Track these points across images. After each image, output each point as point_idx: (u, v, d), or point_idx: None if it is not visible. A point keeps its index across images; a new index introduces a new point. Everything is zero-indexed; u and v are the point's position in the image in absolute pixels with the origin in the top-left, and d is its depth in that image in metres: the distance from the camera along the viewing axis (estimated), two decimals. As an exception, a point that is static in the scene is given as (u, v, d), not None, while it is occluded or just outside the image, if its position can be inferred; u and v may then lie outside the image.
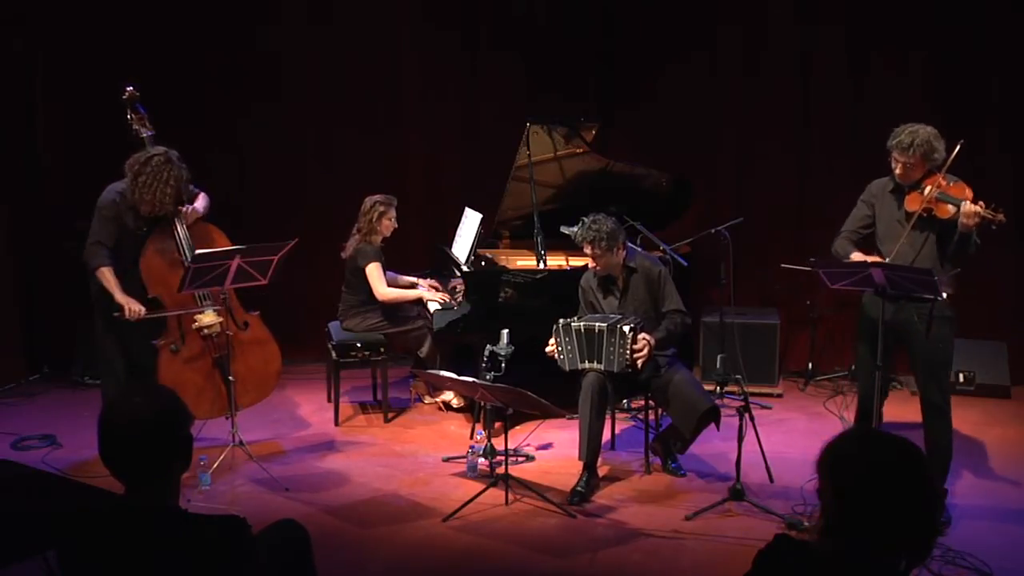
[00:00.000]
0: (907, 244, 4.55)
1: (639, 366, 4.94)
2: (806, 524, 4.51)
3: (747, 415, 4.82)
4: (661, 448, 5.29)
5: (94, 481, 4.14)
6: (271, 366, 5.59)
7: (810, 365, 6.94)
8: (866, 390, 4.69)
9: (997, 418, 6.10)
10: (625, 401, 5.93)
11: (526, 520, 4.72)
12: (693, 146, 7.14)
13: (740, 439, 4.76)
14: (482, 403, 5.10)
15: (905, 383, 6.45)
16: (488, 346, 5.04)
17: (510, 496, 4.88)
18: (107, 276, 5.14)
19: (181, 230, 5.27)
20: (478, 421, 5.64)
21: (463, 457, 5.35)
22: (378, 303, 6.10)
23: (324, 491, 5.07)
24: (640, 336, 4.91)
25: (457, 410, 6.25)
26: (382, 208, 6.01)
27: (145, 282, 5.21)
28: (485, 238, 6.42)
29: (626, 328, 4.88)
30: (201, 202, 5.44)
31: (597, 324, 4.94)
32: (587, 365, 4.98)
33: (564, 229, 5.46)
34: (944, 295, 4.31)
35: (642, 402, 5.49)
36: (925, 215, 4.47)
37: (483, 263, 6.32)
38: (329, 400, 6.31)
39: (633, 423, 5.98)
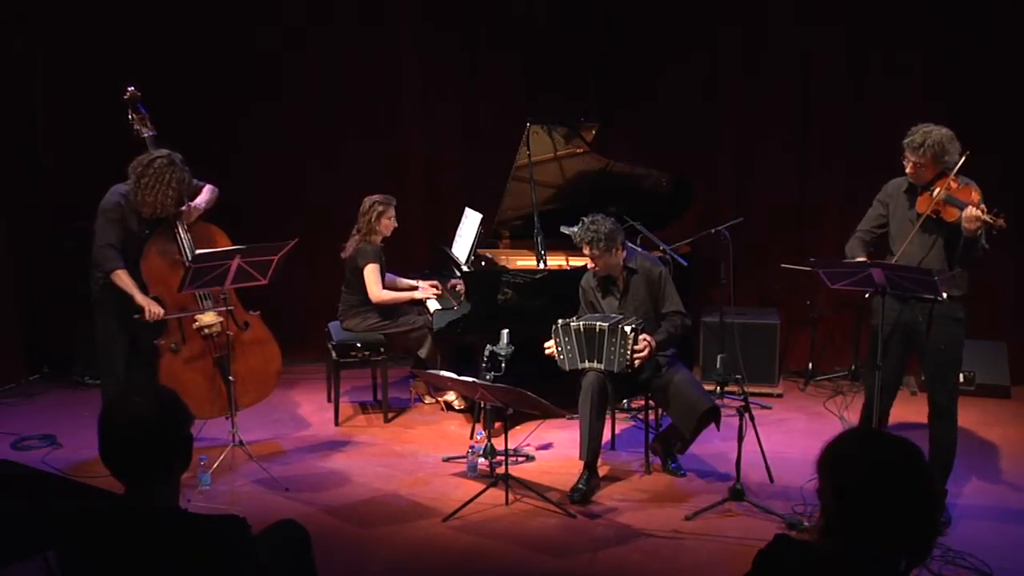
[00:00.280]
0: (915, 244, 4.52)
1: (637, 366, 4.93)
2: (806, 524, 4.51)
3: (747, 415, 4.82)
4: (661, 448, 5.29)
5: (94, 481, 4.14)
6: (271, 366, 5.59)
7: (810, 365, 6.94)
8: (872, 390, 4.66)
9: (997, 418, 6.10)
10: (625, 401, 5.93)
11: (526, 520, 4.72)
12: (693, 146, 7.15)
13: (740, 439, 4.76)
14: (482, 403, 5.10)
15: (905, 383, 6.44)
16: (488, 346, 5.04)
17: (510, 496, 4.88)
18: (123, 279, 5.15)
19: (183, 231, 5.28)
20: (478, 421, 5.64)
21: (463, 457, 5.35)
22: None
23: (324, 491, 5.07)
24: (641, 337, 4.91)
25: (458, 411, 6.24)
26: (381, 208, 6.01)
27: (146, 282, 5.22)
28: (485, 238, 6.42)
29: (628, 329, 4.88)
30: (205, 195, 5.43)
31: (598, 323, 4.94)
32: (587, 365, 4.98)
33: (564, 229, 5.46)
34: (944, 295, 4.30)
35: (642, 402, 5.49)
36: (933, 216, 4.45)
37: (483, 263, 6.32)
38: (329, 400, 6.31)
39: (633, 423, 5.98)
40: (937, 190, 4.41)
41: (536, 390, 4.57)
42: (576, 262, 6.04)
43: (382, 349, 6.07)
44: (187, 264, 4.98)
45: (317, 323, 6.62)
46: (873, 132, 6.81)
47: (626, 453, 5.57)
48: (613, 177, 6.42)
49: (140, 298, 5.13)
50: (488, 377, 4.86)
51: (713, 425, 5.05)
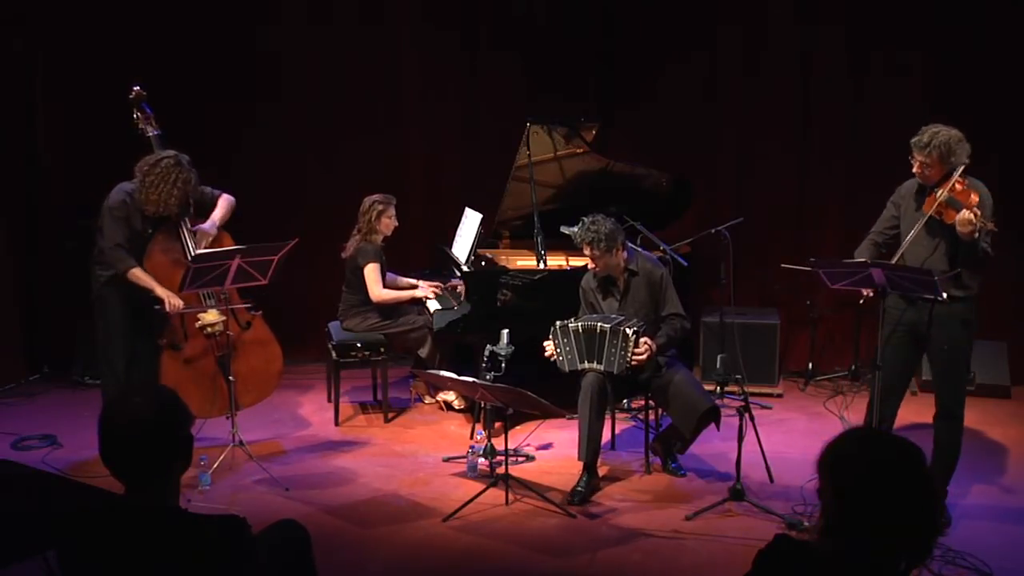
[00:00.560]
0: (920, 245, 4.50)
1: (636, 368, 4.94)
2: (806, 524, 4.51)
3: (747, 415, 4.82)
4: (661, 448, 5.29)
5: (94, 481, 4.14)
6: (272, 366, 5.60)
7: (810, 365, 6.94)
8: (880, 392, 4.63)
9: (997, 418, 6.10)
10: (625, 401, 5.93)
11: (526, 520, 4.72)
12: (693, 146, 7.14)
13: (740, 439, 4.76)
14: (482, 403, 5.10)
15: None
16: (488, 346, 5.05)
17: (510, 496, 4.88)
18: (140, 275, 5.16)
19: (186, 230, 5.29)
20: (478, 421, 5.64)
21: (463, 457, 5.35)
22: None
23: (324, 491, 5.07)
24: (643, 340, 4.91)
25: (458, 411, 6.24)
26: (381, 207, 6.02)
27: None
28: (485, 238, 6.42)
29: (630, 331, 4.87)
30: (220, 209, 5.42)
31: (599, 324, 4.94)
32: (587, 365, 4.98)
33: (564, 229, 5.46)
34: (944, 295, 4.30)
35: (642, 402, 5.49)
36: (936, 217, 4.43)
37: (483, 263, 6.32)
38: (329, 400, 6.31)
39: (633, 423, 5.98)
40: (941, 191, 4.39)
41: (536, 390, 4.57)
42: (576, 262, 6.04)
43: (382, 349, 6.07)
44: (186, 265, 4.99)
45: (317, 323, 6.62)
46: (873, 132, 6.81)
47: (626, 453, 5.57)
48: (613, 177, 6.42)
49: (160, 291, 5.14)
50: (488, 377, 4.86)
51: (713, 425, 5.05)
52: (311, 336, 7.06)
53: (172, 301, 5.14)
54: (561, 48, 7.21)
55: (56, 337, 7.05)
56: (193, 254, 5.11)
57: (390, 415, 6.18)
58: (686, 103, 7.10)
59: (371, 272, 5.99)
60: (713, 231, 6.26)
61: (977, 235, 4.25)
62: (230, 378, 5.20)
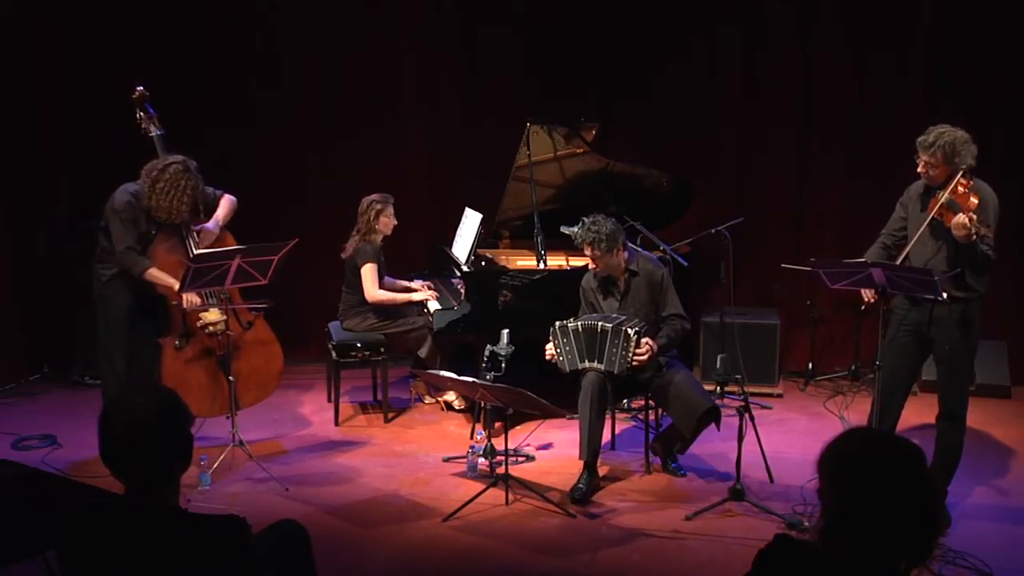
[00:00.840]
0: (924, 246, 4.49)
1: (636, 368, 4.94)
2: (806, 524, 4.51)
3: (747, 415, 4.82)
4: (661, 448, 5.29)
5: (94, 481, 4.15)
6: (273, 366, 5.60)
7: (810, 365, 6.94)
8: (882, 392, 4.63)
9: (997, 418, 6.10)
10: (625, 401, 5.93)
11: (526, 520, 4.72)
12: (693, 146, 7.14)
13: (740, 439, 4.76)
14: (482, 403, 5.10)
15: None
16: (488, 346, 5.05)
17: (510, 496, 4.88)
18: (157, 275, 5.18)
19: (188, 231, 5.30)
20: (478, 421, 5.64)
21: (463, 457, 5.35)
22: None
23: (324, 491, 5.07)
24: (644, 341, 4.91)
25: (458, 411, 6.24)
26: (379, 206, 6.02)
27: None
28: (485, 238, 6.42)
29: (631, 331, 4.87)
30: (223, 209, 5.44)
31: (600, 324, 4.94)
32: (587, 364, 4.98)
33: (564, 229, 5.46)
34: (944, 296, 4.29)
35: (642, 402, 5.49)
36: (938, 219, 4.42)
37: (483, 263, 6.32)
38: (329, 400, 6.31)
39: (633, 423, 5.98)
40: (943, 193, 4.37)
41: (536, 390, 4.57)
42: (576, 262, 6.04)
43: (382, 349, 6.07)
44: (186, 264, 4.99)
45: (317, 323, 6.62)
46: (873, 132, 6.81)
47: (626, 453, 5.57)
48: (613, 177, 6.42)
49: (178, 289, 5.14)
50: (488, 377, 4.86)
51: (713, 425, 5.04)
52: (311, 336, 7.06)
53: (190, 298, 5.16)
54: (561, 48, 7.21)
55: (56, 337, 7.04)
56: (193, 254, 5.11)
57: (390, 415, 6.18)
58: (686, 103, 7.09)
59: (368, 272, 5.99)
60: (713, 231, 6.25)
61: (974, 238, 4.22)
62: (230, 378, 5.20)
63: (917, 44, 6.73)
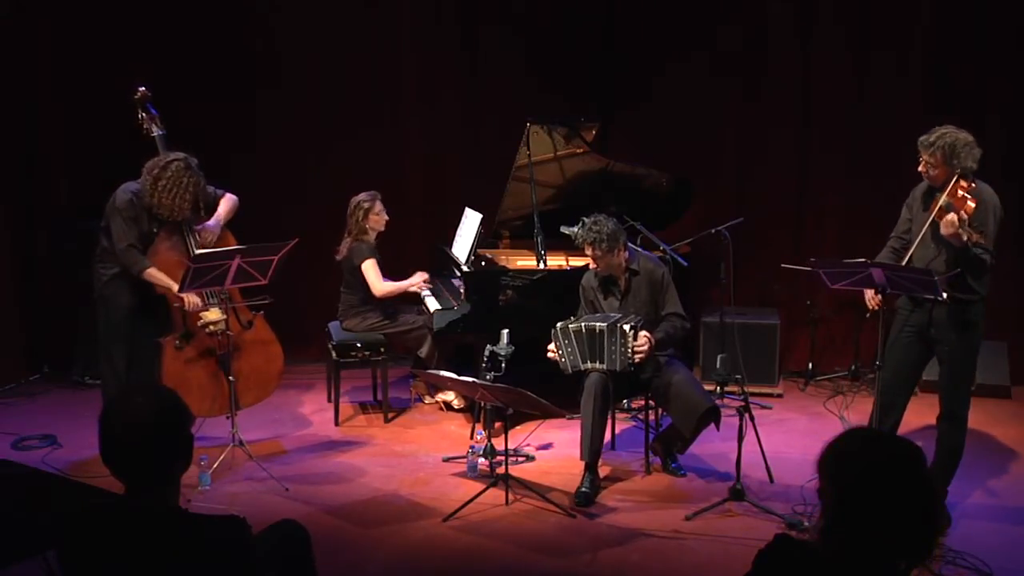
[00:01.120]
0: (926, 247, 4.48)
1: (638, 363, 4.93)
2: (806, 524, 4.51)
3: (747, 415, 4.82)
4: (661, 448, 5.29)
5: (94, 481, 4.14)
6: (273, 366, 5.61)
7: (810, 365, 6.94)
8: (886, 392, 4.63)
9: (997, 418, 6.10)
10: (625, 401, 5.93)
11: (526, 520, 4.72)
12: (693, 146, 7.14)
13: (740, 439, 4.76)
14: (482, 403, 5.10)
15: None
16: (488, 346, 5.05)
17: (510, 496, 4.88)
18: (156, 275, 5.19)
19: (189, 231, 5.30)
20: (478, 421, 5.64)
21: (463, 457, 5.35)
22: (377, 303, 6.12)
23: (324, 491, 5.07)
24: (641, 334, 4.91)
25: (457, 410, 6.25)
26: (367, 205, 6.02)
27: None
28: (485, 238, 6.42)
29: (627, 327, 4.88)
30: (224, 208, 5.45)
31: (597, 324, 4.94)
32: (590, 365, 4.98)
33: (564, 229, 5.46)
34: (944, 296, 4.29)
35: (642, 402, 5.49)
36: (938, 220, 4.41)
37: (483, 263, 6.32)
38: (329, 400, 6.31)
39: (633, 423, 5.98)
40: (942, 195, 4.35)
41: (536, 390, 4.57)
42: (576, 262, 6.04)
43: (382, 349, 6.07)
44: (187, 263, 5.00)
45: (317, 323, 6.62)
46: (873, 132, 6.81)
47: (626, 453, 5.57)
48: (613, 177, 6.42)
49: (178, 290, 5.14)
50: (488, 377, 4.86)
51: (713, 425, 5.05)
52: (311, 336, 7.06)
53: (191, 299, 5.17)
54: (561, 48, 7.21)
55: (56, 337, 7.04)
56: (193, 254, 5.11)
57: (390, 415, 6.18)
58: (686, 103, 7.09)
59: (370, 268, 5.99)
60: (713, 231, 6.25)
61: (964, 241, 4.21)
62: (231, 378, 5.20)
63: (917, 44, 6.73)
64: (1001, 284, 6.46)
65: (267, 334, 5.58)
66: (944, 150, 4.33)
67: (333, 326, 6.24)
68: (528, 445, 5.65)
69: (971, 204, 4.24)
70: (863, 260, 4.55)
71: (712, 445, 5.43)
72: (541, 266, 5.99)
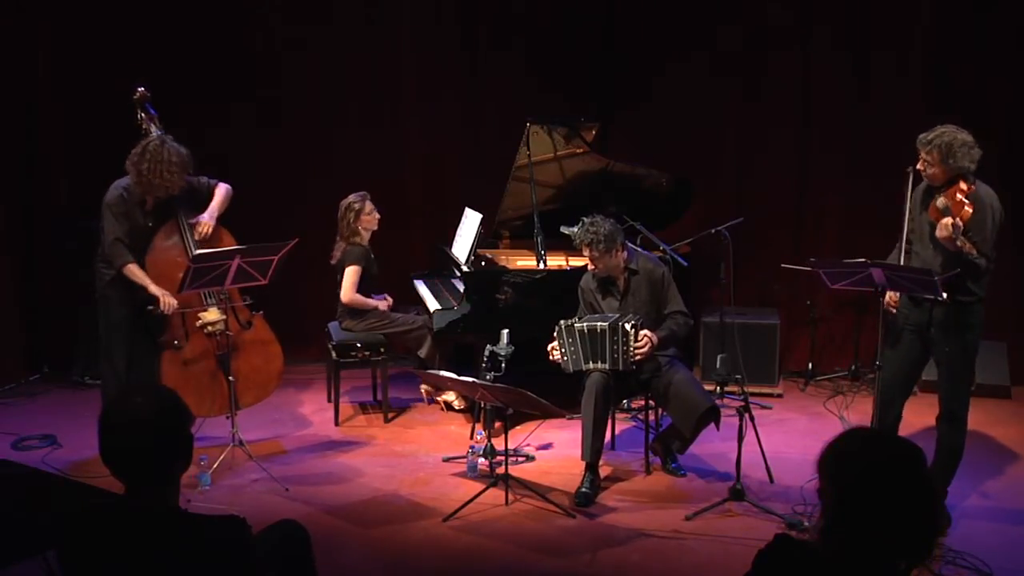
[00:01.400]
0: (925, 248, 4.47)
1: (639, 361, 4.93)
2: (806, 524, 4.51)
3: (747, 415, 4.82)
4: (661, 448, 5.29)
5: (94, 481, 4.15)
6: (272, 366, 5.61)
7: (810, 365, 6.94)
8: (883, 392, 4.63)
9: (997, 418, 6.10)
10: (625, 401, 5.93)
11: (526, 520, 4.72)
12: (693, 146, 7.14)
13: (740, 439, 4.76)
14: (482, 403, 5.10)
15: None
16: (488, 346, 5.05)
17: (510, 496, 4.88)
18: (135, 272, 5.20)
19: (187, 228, 5.30)
20: (478, 421, 5.64)
21: (463, 457, 5.35)
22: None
23: (324, 491, 5.07)
24: (642, 333, 4.91)
25: (458, 411, 6.24)
26: (357, 206, 6.03)
27: (151, 279, 5.22)
28: (485, 238, 6.42)
29: (627, 326, 4.88)
30: (218, 199, 5.43)
31: (599, 324, 4.94)
32: (591, 365, 4.98)
33: (564, 229, 5.46)
34: (944, 295, 4.28)
35: (642, 402, 5.49)
36: (934, 220, 4.40)
37: (483, 263, 6.32)
38: (329, 400, 6.31)
39: (633, 423, 5.98)
40: (940, 197, 4.33)
41: (536, 390, 4.56)
42: (576, 262, 6.04)
43: (382, 349, 6.07)
44: (187, 264, 4.99)
45: (317, 323, 6.62)
46: (873, 132, 6.81)
47: (626, 453, 5.57)
48: (613, 177, 6.42)
49: (154, 288, 5.17)
50: (488, 377, 4.86)
51: (713, 425, 5.05)
52: (311, 336, 7.06)
53: (166, 299, 5.16)
54: (561, 48, 7.21)
55: (56, 337, 7.04)
56: (193, 254, 5.11)
57: (390, 415, 6.18)
58: (686, 103, 7.09)
59: (350, 274, 5.99)
60: (713, 231, 6.25)
61: (959, 245, 4.19)
62: (230, 378, 5.20)
63: (917, 44, 6.73)
64: (1000, 284, 6.46)
65: (266, 334, 5.58)
66: (940, 149, 4.31)
67: (333, 326, 6.24)
68: (528, 445, 5.65)
69: (968, 210, 4.22)
70: (863, 260, 4.54)
71: (712, 445, 5.43)
72: (541, 266, 5.99)
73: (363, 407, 6.45)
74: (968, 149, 4.32)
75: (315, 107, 7.36)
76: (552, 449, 5.65)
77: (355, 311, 6.11)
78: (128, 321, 5.29)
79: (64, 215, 6.97)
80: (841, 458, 2.14)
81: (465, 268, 6.04)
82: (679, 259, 6.12)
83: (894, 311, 4.57)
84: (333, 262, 6.13)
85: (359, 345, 6.06)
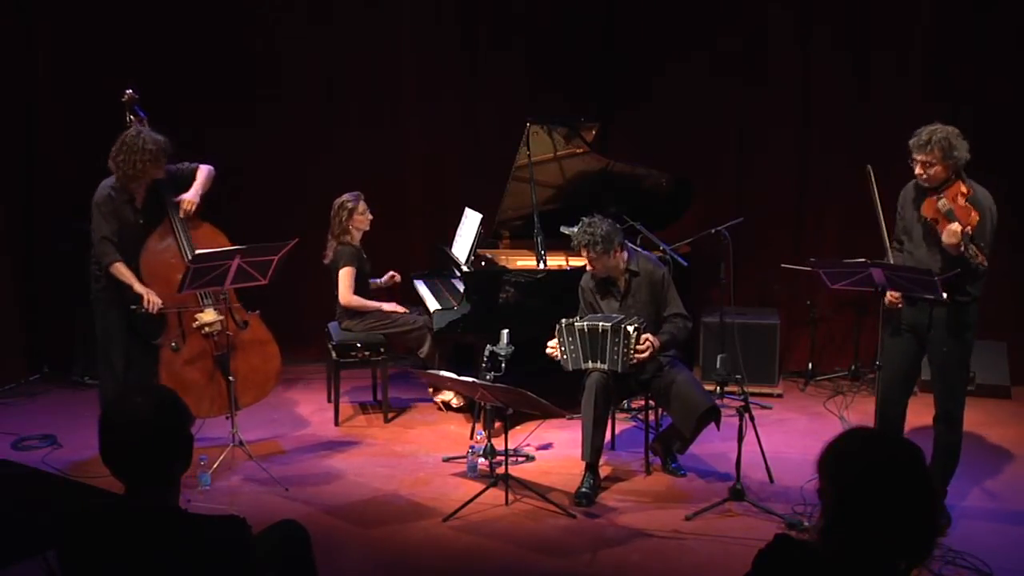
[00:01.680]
0: (920, 248, 4.48)
1: (637, 364, 4.93)
2: (806, 524, 4.51)
3: (747, 415, 4.82)
4: (661, 448, 5.29)
5: (94, 481, 4.15)
6: (271, 365, 5.60)
7: (810, 365, 6.94)
8: (885, 392, 4.63)
9: (997, 418, 6.10)
10: (625, 401, 5.92)
11: (526, 520, 4.72)
12: (693, 146, 7.14)
13: (740, 439, 4.76)
14: (482, 403, 5.10)
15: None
16: (488, 346, 5.04)
17: (510, 496, 4.88)
18: (122, 270, 5.19)
19: (181, 229, 5.29)
20: (478, 421, 5.64)
21: (463, 457, 5.35)
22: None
23: (324, 491, 5.07)
24: (644, 337, 4.91)
25: (456, 410, 6.25)
26: (350, 205, 6.03)
27: (146, 280, 5.22)
28: (485, 238, 6.42)
29: (630, 328, 4.87)
30: (200, 180, 5.42)
31: (601, 324, 4.94)
32: (590, 365, 4.98)
33: (564, 229, 5.46)
34: (944, 295, 4.28)
35: (642, 402, 5.49)
36: (933, 223, 4.40)
37: (483, 263, 6.32)
38: (329, 400, 6.31)
39: (633, 423, 5.98)
40: (942, 200, 4.32)
41: (536, 390, 4.56)
42: (576, 262, 6.03)
43: (382, 349, 6.07)
44: (186, 264, 4.99)
45: (317, 323, 6.62)
46: (874, 132, 6.81)
47: (626, 453, 5.57)
48: (613, 177, 6.42)
49: (139, 287, 5.16)
50: (488, 377, 4.86)
51: (713, 425, 5.05)
52: (311, 336, 7.06)
53: (151, 298, 5.15)
54: (561, 48, 7.21)
55: (56, 337, 7.04)
56: (192, 254, 5.11)
57: (390, 415, 6.18)
58: (686, 103, 7.09)
59: (345, 276, 5.99)
60: (713, 231, 6.26)
61: (964, 251, 4.20)
62: (230, 378, 5.20)
63: (917, 44, 6.73)
64: (999, 284, 6.47)
65: (263, 334, 5.58)
66: (941, 145, 4.31)
67: (332, 326, 6.24)
68: (528, 445, 5.65)
69: (975, 216, 4.23)
70: (863, 260, 4.55)
71: (712, 445, 5.43)
72: (541, 266, 5.99)
73: (363, 407, 6.45)
74: (962, 139, 4.36)
75: (315, 107, 7.36)
76: (552, 449, 5.65)
77: (355, 311, 6.10)
78: (125, 321, 5.28)
79: (63, 215, 6.96)
80: (841, 458, 2.14)
81: (465, 268, 6.04)
82: (679, 259, 6.12)
83: (900, 306, 4.57)
84: (326, 262, 6.13)
85: (359, 345, 6.06)
